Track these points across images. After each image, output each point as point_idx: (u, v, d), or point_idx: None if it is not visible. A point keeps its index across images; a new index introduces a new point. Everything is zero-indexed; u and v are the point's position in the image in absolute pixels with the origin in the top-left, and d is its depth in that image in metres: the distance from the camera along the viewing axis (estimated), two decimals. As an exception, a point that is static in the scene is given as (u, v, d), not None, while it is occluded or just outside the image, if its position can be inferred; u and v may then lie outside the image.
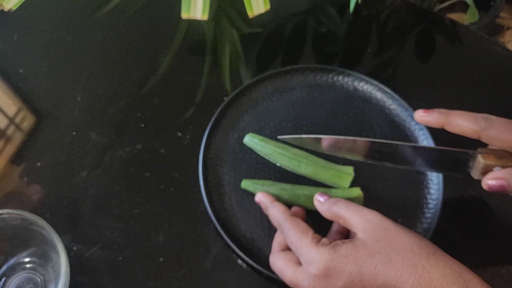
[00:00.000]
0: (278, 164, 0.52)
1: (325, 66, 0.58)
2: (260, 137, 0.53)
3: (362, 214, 0.40)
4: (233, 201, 0.50)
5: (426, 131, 0.53)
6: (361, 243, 0.38)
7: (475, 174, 0.42)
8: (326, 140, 0.45)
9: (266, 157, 0.52)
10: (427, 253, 0.36)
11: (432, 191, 0.50)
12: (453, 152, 0.42)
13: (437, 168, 0.45)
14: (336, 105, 0.56)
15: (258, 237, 0.48)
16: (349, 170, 0.50)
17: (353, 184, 0.50)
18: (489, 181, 0.40)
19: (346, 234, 0.45)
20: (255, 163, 0.52)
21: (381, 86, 0.56)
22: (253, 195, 0.49)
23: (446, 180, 0.50)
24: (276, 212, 0.44)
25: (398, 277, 0.36)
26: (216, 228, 0.48)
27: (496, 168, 0.41)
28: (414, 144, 0.47)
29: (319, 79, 0.58)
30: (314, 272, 0.38)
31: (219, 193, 0.50)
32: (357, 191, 0.48)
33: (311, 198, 0.45)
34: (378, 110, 0.56)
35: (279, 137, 0.48)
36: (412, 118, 0.53)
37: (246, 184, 0.50)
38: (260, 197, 0.47)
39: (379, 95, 0.56)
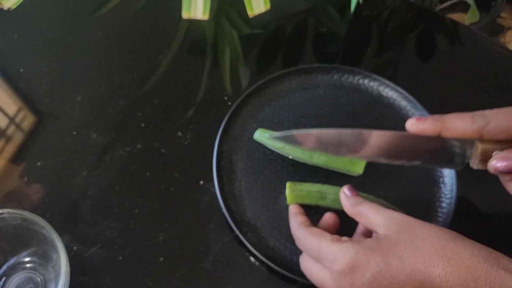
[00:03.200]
0: (290, 157, 0.52)
1: (352, 68, 0.58)
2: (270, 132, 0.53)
3: (385, 213, 0.39)
4: (242, 188, 0.50)
5: None
6: (384, 237, 0.37)
7: (474, 163, 0.41)
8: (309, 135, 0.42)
9: (278, 151, 0.52)
10: (452, 237, 0.36)
11: (444, 204, 0.49)
12: (450, 140, 0.41)
13: (434, 160, 0.42)
14: (358, 107, 0.56)
15: (262, 226, 0.48)
16: None
17: (363, 190, 0.48)
18: (493, 162, 0.38)
19: (370, 237, 0.44)
20: (269, 154, 0.53)
21: (406, 94, 0.55)
22: (262, 184, 0.50)
23: (458, 197, 0.49)
24: (293, 223, 0.44)
25: (427, 262, 0.35)
26: (223, 215, 0.48)
27: (495, 152, 0.39)
28: (407, 133, 0.42)
29: (344, 80, 0.58)
30: (339, 268, 0.37)
31: (230, 178, 0.51)
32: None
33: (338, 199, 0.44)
34: (400, 118, 0.55)
35: (273, 136, 0.45)
36: None
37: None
38: (291, 208, 0.46)
39: (403, 103, 0.56)
